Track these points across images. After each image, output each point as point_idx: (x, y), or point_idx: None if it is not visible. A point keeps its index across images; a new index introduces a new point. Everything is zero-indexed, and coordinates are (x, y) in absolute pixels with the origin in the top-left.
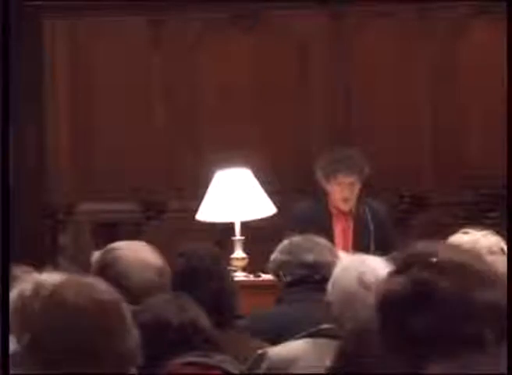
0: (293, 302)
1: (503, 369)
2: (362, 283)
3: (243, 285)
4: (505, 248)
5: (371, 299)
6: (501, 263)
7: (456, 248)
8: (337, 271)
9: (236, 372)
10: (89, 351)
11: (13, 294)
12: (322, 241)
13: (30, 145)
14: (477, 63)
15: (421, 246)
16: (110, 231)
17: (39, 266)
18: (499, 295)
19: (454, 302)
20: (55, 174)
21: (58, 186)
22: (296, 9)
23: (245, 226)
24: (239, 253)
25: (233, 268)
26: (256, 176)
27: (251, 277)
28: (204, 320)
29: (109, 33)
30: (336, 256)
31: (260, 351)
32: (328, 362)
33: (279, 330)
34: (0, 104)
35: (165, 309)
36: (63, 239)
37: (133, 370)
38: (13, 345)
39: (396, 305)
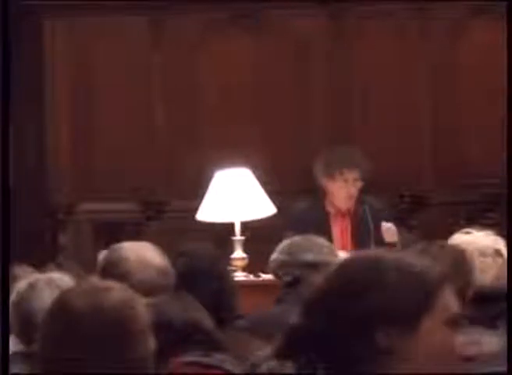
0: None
1: None
2: None
3: (243, 285)
4: (502, 249)
5: None
6: (490, 266)
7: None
8: None
9: (236, 372)
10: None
11: (14, 294)
12: (322, 240)
13: (30, 145)
14: (477, 63)
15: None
16: (110, 231)
17: (39, 265)
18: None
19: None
20: (55, 174)
21: (58, 186)
22: (296, 9)
23: (245, 226)
24: (239, 253)
25: (233, 268)
26: (256, 176)
27: (251, 277)
28: (206, 320)
29: (109, 33)
30: (335, 256)
31: (259, 352)
32: None
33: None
34: (0, 104)
35: (167, 309)
36: (63, 239)
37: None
38: (13, 345)
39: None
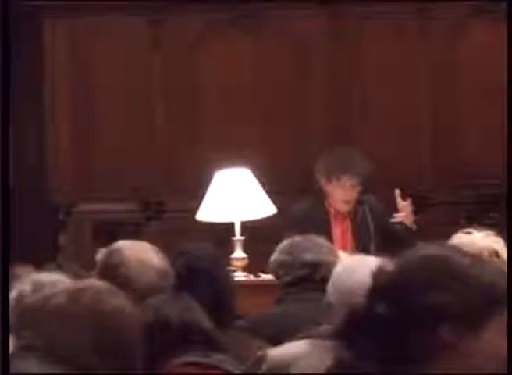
0: (293, 302)
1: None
2: (362, 283)
3: (243, 285)
4: (500, 250)
5: None
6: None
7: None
8: (338, 271)
9: (236, 372)
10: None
11: (14, 294)
12: (322, 241)
13: (30, 145)
14: (477, 63)
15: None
16: (110, 231)
17: (39, 265)
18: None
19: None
20: (55, 174)
21: (58, 186)
22: (296, 9)
23: (245, 226)
24: (239, 253)
25: (233, 268)
26: (256, 176)
27: (251, 277)
28: (205, 320)
29: (109, 33)
30: (336, 256)
31: (260, 352)
32: (328, 363)
33: (279, 330)
34: (0, 104)
35: (166, 309)
36: (63, 239)
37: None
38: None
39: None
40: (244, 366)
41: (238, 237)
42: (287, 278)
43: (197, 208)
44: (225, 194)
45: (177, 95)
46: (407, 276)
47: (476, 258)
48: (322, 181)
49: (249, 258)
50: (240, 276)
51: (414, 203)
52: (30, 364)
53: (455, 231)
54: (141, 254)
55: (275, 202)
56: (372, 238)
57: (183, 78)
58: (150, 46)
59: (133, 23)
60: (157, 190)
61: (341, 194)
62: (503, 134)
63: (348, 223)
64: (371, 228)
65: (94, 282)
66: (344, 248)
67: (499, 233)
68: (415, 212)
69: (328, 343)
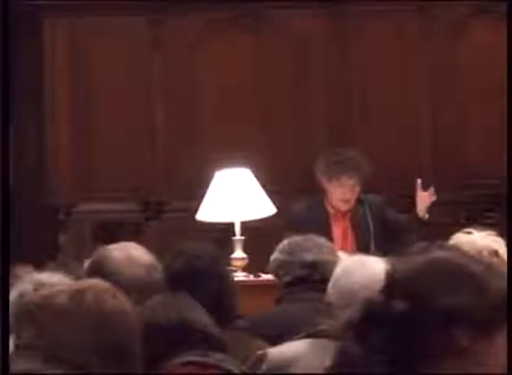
0: (293, 302)
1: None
2: (363, 283)
3: (243, 285)
4: (499, 249)
5: None
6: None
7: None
8: (338, 271)
9: (236, 371)
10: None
11: (14, 294)
12: (322, 240)
13: (30, 145)
14: (477, 63)
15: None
16: (110, 231)
17: (39, 265)
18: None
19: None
20: (55, 174)
21: (58, 186)
22: (296, 9)
23: (245, 226)
24: (239, 253)
25: (233, 268)
26: (256, 176)
27: (251, 277)
28: (205, 320)
29: (109, 33)
30: (336, 256)
31: (260, 352)
32: (328, 363)
33: (279, 330)
34: (0, 104)
35: (166, 309)
36: (63, 239)
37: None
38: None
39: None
40: (244, 365)
41: (238, 237)
42: (287, 278)
43: (197, 208)
44: (225, 194)
45: (177, 95)
46: (424, 275)
47: (486, 263)
48: (323, 181)
49: (249, 258)
50: (239, 276)
51: (414, 203)
52: (31, 364)
53: (455, 231)
54: (127, 250)
55: (275, 202)
56: (372, 238)
57: (183, 78)
58: (150, 46)
59: (133, 23)
60: (157, 190)
61: (341, 193)
62: (503, 134)
63: (348, 223)
64: (371, 228)
65: (95, 282)
66: (344, 248)
67: (499, 233)
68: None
69: (328, 343)
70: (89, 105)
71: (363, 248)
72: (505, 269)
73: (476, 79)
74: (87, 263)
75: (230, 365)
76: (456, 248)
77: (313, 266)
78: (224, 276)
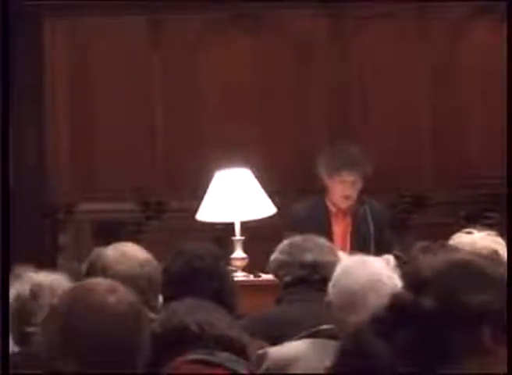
0: (293, 302)
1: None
2: (363, 283)
3: (243, 285)
4: (500, 249)
5: (371, 300)
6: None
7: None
8: (338, 272)
9: (240, 370)
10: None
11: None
12: (322, 241)
13: (30, 145)
14: (477, 63)
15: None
16: (110, 231)
17: (39, 265)
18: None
19: None
20: (55, 174)
21: (58, 186)
22: (296, 9)
23: (245, 226)
24: (239, 253)
25: (233, 268)
26: (256, 176)
27: (251, 277)
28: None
29: (109, 33)
30: (336, 256)
31: (260, 352)
32: (328, 363)
33: (279, 330)
34: (0, 104)
35: (183, 315)
36: (63, 239)
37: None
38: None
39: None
40: (246, 364)
41: (238, 237)
42: (287, 278)
43: (197, 209)
44: (225, 194)
45: (177, 95)
46: (451, 274)
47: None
48: (324, 177)
49: (249, 258)
50: (239, 276)
51: (414, 203)
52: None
53: (455, 231)
54: (120, 247)
55: (275, 202)
56: (372, 238)
57: (183, 78)
58: (150, 46)
59: (133, 23)
60: (157, 190)
61: (341, 189)
62: (503, 134)
63: (349, 223)
64: (372, 227)
65: (102, 281)
66: (344, 248)
67: (499, 233)
68: (415, 212)
69: (328, 343)
70: (89, 105)
71: (363, 248)
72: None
73: (476, 79)
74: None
75: (235, 364)
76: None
77: (313, 266)
78: (224, 276)
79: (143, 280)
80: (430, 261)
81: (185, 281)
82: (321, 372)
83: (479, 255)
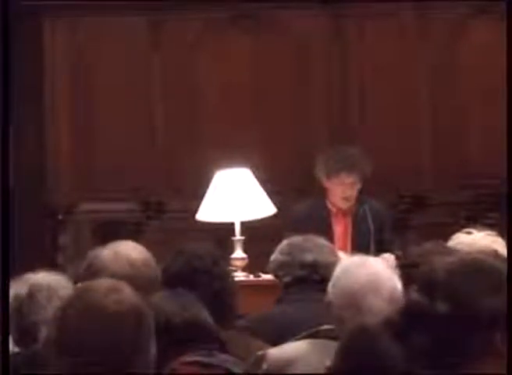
0: (293, 302)
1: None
2: (363, 283)
3: (243, 285)
4: (500, 249)
5: (371, 300)
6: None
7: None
8: (338, 272)
9: (239, 371)
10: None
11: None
12: (322, 241)
13: (30, 145)
14: (477, 63)
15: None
16: (110, 231)
17: (39, 265)
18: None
19: None
20: (55, 174)
21: (58, 186)
22: (296, 9)
23: (245, 226)
24: (239, 253)
25: (233, 268)
26: (256, 176)
27: (251, 277)
28: (206, 318)
29: (109, 33)
30: (336, 256)
31: (260, 352)
32: (328, 363)
33: (279, 330)
34: (0, 104)
35: (167, 308)
36: (63, 239)
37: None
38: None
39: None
40: (244, 365)
41: (238, 237)
42: (287, 278)
43: (197, 209)
44: (225, 194)
45: (177, 95)
46: (465, 277)
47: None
48: (322, 178)
49: (249, 258)
50: (239, 276)
51: (414, 203)
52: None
53: (455, 231)
54: (116, 247)
55: (275, 202)
56: (372, 238)
57: (183, 78)
58: (150, 46)
59: (133, 23)
60: (157, 190)
61: (340, 190)
62: (503, 134)
63: (349, 223)
64: (372, 228)
65: (105, 281)
66: (345, 248)
67: (499, 233)
68: (415, 212)
69: (328, 343)
70: (89, 105)
71: (363, 248)
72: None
73: (476, 79)
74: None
75: (234, 366)
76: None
77: (313, 266)
78: (224, 276)
79: (138, 280)
80: (443, 263)
81: (185, 281)
82: (321, 372)
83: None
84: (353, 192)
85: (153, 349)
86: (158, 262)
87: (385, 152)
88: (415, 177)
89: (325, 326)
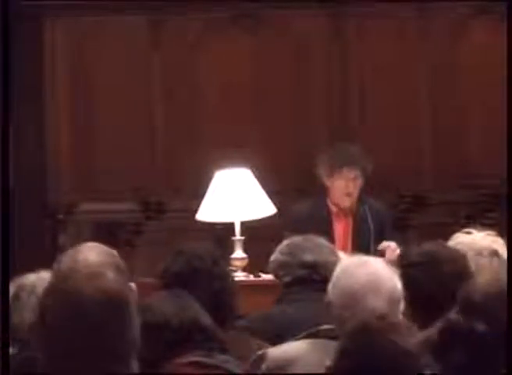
0: (293, 302)
1: None
2: (363, 283)
3: (243, 285)
4: (500, 249)
5: (371, 300)
6: (487, 266)
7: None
8: (338, 271)
9: (239, 372)
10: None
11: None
12: (322, 241)
13: (30, 145)
14: (477, 63)
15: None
16: (110, 231)
17: (39, 265)
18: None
19: None
20: (55, 174)
21: (58, 186)
22: (296, 9)
23: (245, 226)
24: (239, 253)
25: (233, 268)
26: (256, 176)
27: (251, 277)
28: (205, 318)
29: (109, 33)
30: (336, 256)
31: (259, 352)
32: (327, 363)
33: (279, 330)
34: (0, 104)
35: (165, 309)
36: (63, 239)
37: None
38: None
39: None
40: (244, 365)
41: (238, 237)
42: (287, 278)
43: (197, 209)
44: (225, 194)
45: (177, 95)
46: (500, 298)
47: None
48: (324, 176)
49: (249, 258)
50: (239, 276)
51: (414, 203)
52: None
53: (455, 231)
54: (78, 251)
55: (275, 202)
56: (373, 238)
57: (183, 78)
58: (150, 46)
59: (133, 23)
60: (157, 190)
61: (344, 186)
62: (503, 134)
63: (349, 223)
64: (372, 227)
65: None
66: (345, 248)
67: (499, 233)
68: (415, 212)
69: (328, 343)
70: (89, 105)
71: (363, 248)
72: (504, 268)
73: (476, 79)
74: None
75: (233, 366)
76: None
77: (313, 266)
78: (224, 276)
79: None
80: (480, 284)
81: (185, 281)
82: (321, 372)
83: (479, 255)
84: (355, 188)
85: (136, 333)
86: (158, 262)
87: (385, 152)
88: (415, 177)
89: (325, 326)
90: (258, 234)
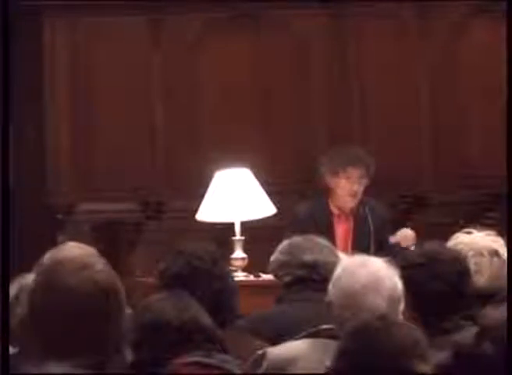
0: (293, 302)
1: None
2: (363, 283)
3: (243, 285)
4: (500, 249)
5: (371, 300)
6: (487, 266)
7: None
8: (339, 271)
9: (239, 372)
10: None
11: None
12: (323, 241)
13: (30, 145)
14: (477, 63)
15: None
16: (110, 231)
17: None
18: None
19: None
20: (55, 174)
21: (58, 186)
22: (296, 9)
23: (245, 226)
24: (239, 253)
25: (233, 268)
26: (256, 176)
27: (251, 277)
28: (205, 318)
29: (109, 33)
30: (336, 256)
31: (260, 352)
32: (327, 363)
33: (279, 330)
34: (0, 104)
35: (165, 309)
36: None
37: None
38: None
39: None
40: (244, 365)
41: (238, 237)
42: (287, 278)
43: (197, 209)
44: (225, 194)
45: (177, 95)
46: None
47: None
48: (328, 177)
49: (249, 258)
50: (240, 276)
51: (414, 203)
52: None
53: (455, 231)
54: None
55: (275, 202)
56: (372, 238)
57: (183, 78)
58: (150, 46)
59: (133, 23)
60: (157, 190)
61: (348, 186)
62: (503, 134)
63: (351, 224)
64: (372, 228)
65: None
66: (346, 249)
67: (499, 233)
68: (415, 212)
69: (328, 343)
70: (89, 105)
71: (363, 248)
72: (504, 268)
73: (476, 78)
74: None
75: (233, 366)
76: None
77: (313, 266)
78: (224, 276)
79: None
80: (492, 309)
81: (185, 281)
82: (321, 371)
83: (479, 255)
84: (360, 187)
85: (124, 323)
86: (158, 262)
87: (385, 152)
88: (415, 177)
89: (325, 326)
90: (258, 234)
